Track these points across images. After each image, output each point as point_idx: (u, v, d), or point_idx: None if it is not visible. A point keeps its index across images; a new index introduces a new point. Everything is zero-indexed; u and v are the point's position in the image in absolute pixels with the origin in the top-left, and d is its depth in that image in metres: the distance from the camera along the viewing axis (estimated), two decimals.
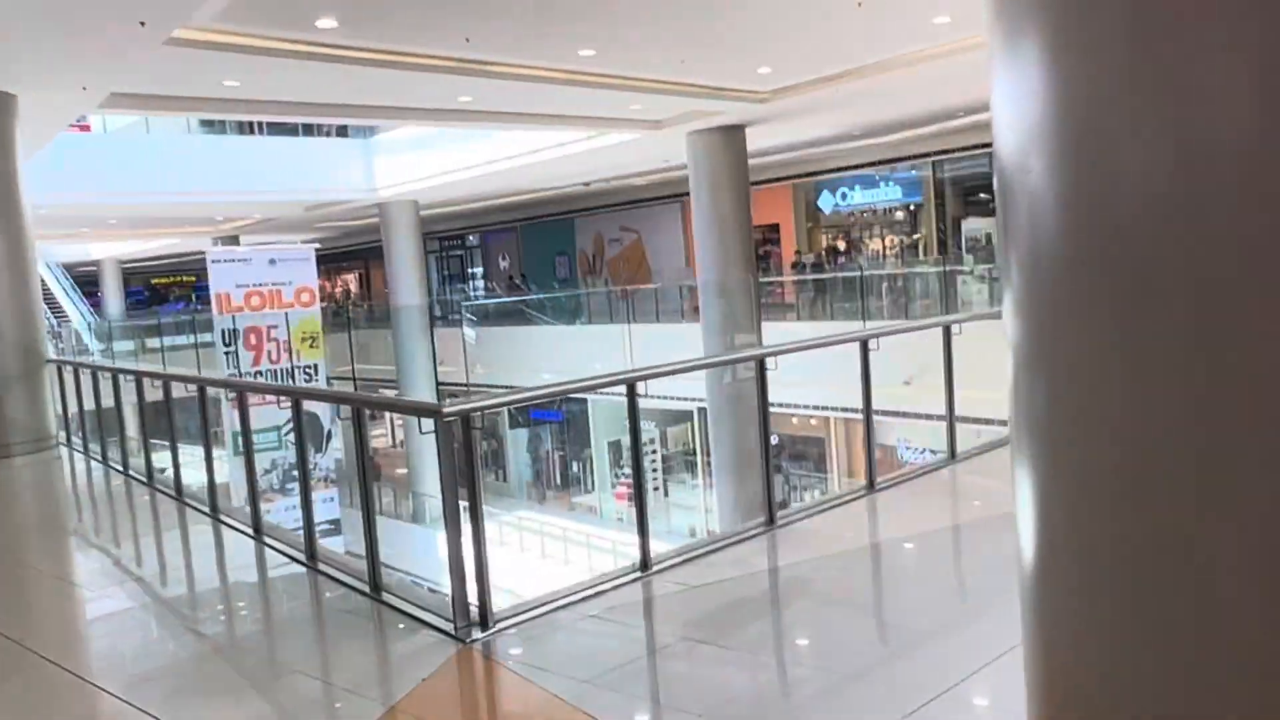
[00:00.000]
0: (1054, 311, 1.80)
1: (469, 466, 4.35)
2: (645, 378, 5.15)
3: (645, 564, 5.01)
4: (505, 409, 26.15)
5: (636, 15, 10.14)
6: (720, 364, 8.34)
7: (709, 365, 10.68)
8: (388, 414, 25.74)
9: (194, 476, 7.91)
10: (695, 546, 5.38)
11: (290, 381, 16.37)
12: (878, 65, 13.14)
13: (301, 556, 5.72)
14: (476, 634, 4.30)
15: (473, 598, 4.38)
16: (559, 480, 27.54)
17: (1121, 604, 1.74)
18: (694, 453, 23.61)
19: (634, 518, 5.05)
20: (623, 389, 5.17)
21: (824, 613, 4.59)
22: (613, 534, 20.85)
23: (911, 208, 25.45)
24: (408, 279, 24.90)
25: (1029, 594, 1.97)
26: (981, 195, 23.69)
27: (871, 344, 6.37)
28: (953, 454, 7.08)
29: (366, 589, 5.00)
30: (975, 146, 22.67)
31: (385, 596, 4.90)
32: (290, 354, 16.92)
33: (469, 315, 26.25)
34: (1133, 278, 1.56)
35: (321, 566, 5.52)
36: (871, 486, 6.41)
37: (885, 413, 16.21)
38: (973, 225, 23.57)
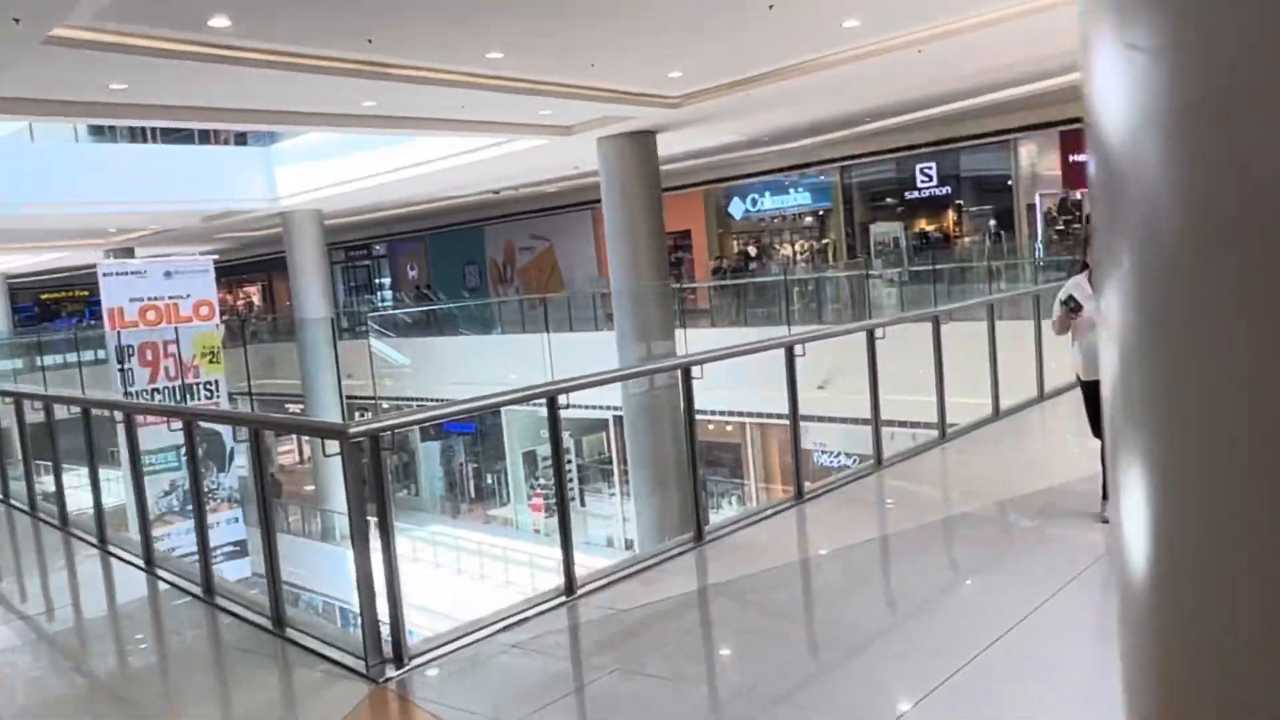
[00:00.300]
0: (1178, 296, 1.58)
1: (379, 490, 4.04)
2: (567, 390, 4.89)
3: (570, 587, 4.74)
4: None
5: (545, 18, 9.88)
6: (646, 374, 8.10)
7: (634, 375, 10.44)
8: None
9: (86, 503, 7.39)
10: (622, 566, 5.14)
11: (190, 399, 15.67)
12: (788, 69, 13.10)
13: (197, 590, 5.31)
14: (390, 672, 3.99)
15: (386, 633, 4.06)
16: (474, 493, 27.04)
17: (1260, 610, 1.48)
18: (610, 461, 23.37)
19: (552, 529, 4.78)
20: (541, 401, 4.89)
21: (757, 634, 4.38)
22: (530, 546, 20.49)
23: (821, 213, 25.68)
24: (312, 291, 24.17)
25: (1136, 601, 1.70)
26: (888, 200, 23.99)
27: (796, 349, 6.21)
28: (879, 460, 6.96)
29: (269, 625, 4.64)
30: (882, 152, 22.97)
31: (289, 633, 4.54)
32: (189, 370, 16.22)
33: (376, 326, 25.62)
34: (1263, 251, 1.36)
35: (219, 600, 5.13)
36: (800, 496, 6.24)
37: (803, 417, 16.18)
38: (881, 229, 23.86)
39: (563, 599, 4.71)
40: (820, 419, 15.82)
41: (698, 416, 5.76)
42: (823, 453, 18.82)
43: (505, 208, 29.23)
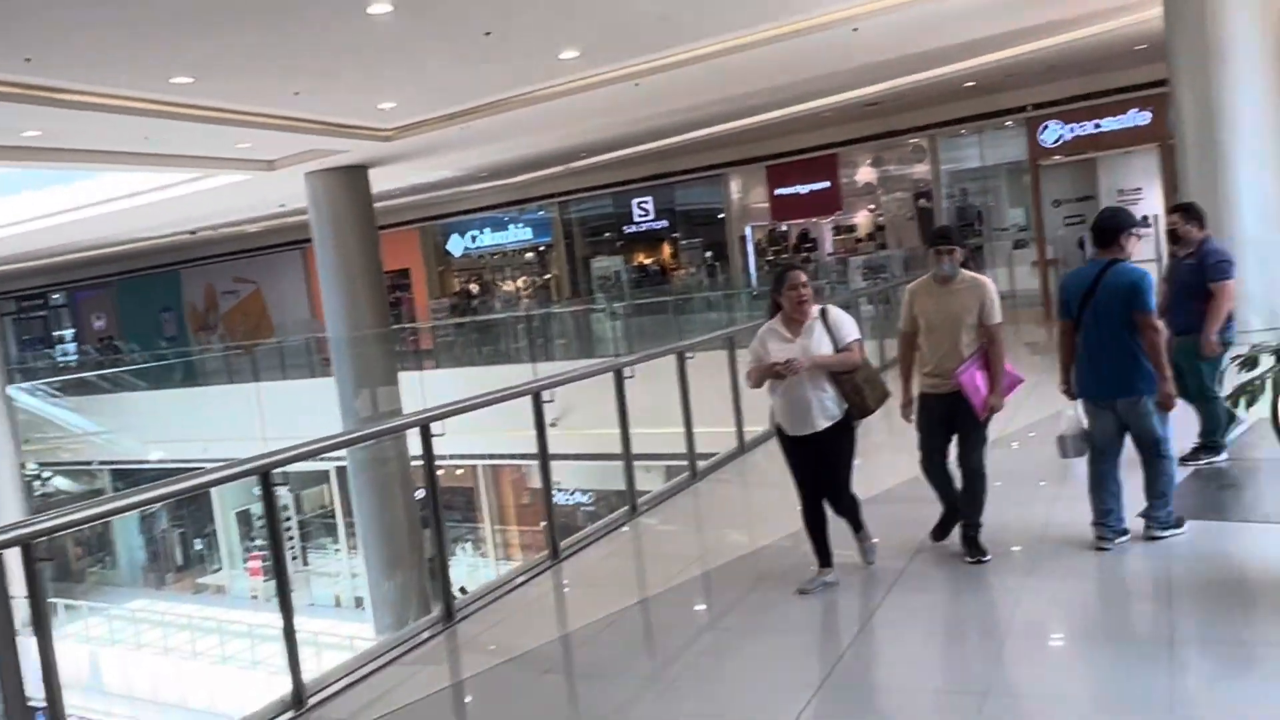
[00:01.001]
0: None
1: (37, 620, 3.16)
2: (284, 463, 4.16)
3: (299, 698, 4.00)
4: (110, 484, 23.09)
5: (239, 37, 8.90)
6: (380, 435, 7.15)
7: (363, 440, 9.32)
8: None
9: None
10: (362, 661, 4.43)
11: None
12: (505, 102, 12.73)
13: None
14: None
15: None
16: (181, 560, 24.66)
17: None
18: (333, 515, 21.98)
19: (271, 594, 4.00)
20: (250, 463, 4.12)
21: None
22: (247, 614, 18.77)
23: (542, 248, 25.62)
24: None
25: None
26: (607, 234, 24.21)
27: (544, 395, 5.72)
28: (633, 507, 6.58)
29: None
30: (600, 187, 23.15)
31: None
32: None
33: (43, 389, 22.92)
34: None
35: None
36: (555, 555, 5.74)
37: (527, 456, 15.73)
38: (601, 264, 24.03)
39: (291, 714, 3.96)
40: (557, 457, 15.46)
41: (423, 463, 5.13)
42: (559, 491, 18.47)
43: (205, 249, 27.29)
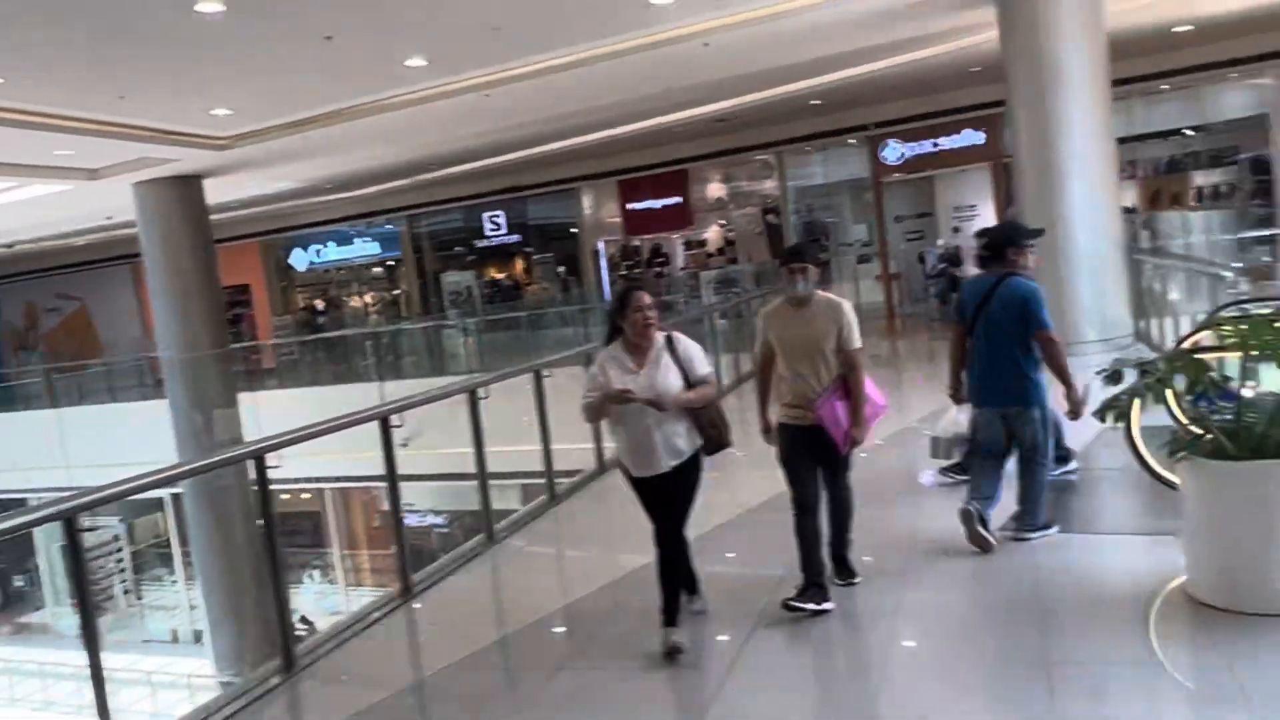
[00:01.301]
0: None
1: None
2: (90, 506, 3.75)
3: None
4: None
5: (52, 33, 8.23)
6: (210, 469, 6.57)
7: (177, 478, 8.52)
8: None
9: None
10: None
11: None
12: (349, 111, 12.27)
13: None
14: None
15: None
16: (1, 598, 22.93)
17: None
18: (169, 545, 20.79)
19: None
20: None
21: None
22: (70, 655, 17.53)
23: (391, 263, 25.03)
24: None
25: None
26: (458, 248, 23.78)
27: (393, 419, 5.40)
28: (490, 535, 6.29)
29: None
30: (450, 200, 22.72)
31: None
32: None
33: None
34: None
35: None
36: (408, 590, 5.39)
37: (376, 478, 15.18)
38: (452, 278, 23.59)
39: None
40: (409, 479, 15.00)
41: (272, 488, 4.75)
42: (410, 513, 17.92)
43: (23, 264, 25.54)
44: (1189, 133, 16.73)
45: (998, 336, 5.08)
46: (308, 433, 4.93)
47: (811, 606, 4.49)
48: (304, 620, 14.52)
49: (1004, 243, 5.21)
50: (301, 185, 19.15)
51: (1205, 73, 15.57)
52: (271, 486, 4.71)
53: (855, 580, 4.80)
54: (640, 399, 4.32)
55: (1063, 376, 4.98)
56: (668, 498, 4.48)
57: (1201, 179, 16.64)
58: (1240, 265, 9.00)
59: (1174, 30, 13.74)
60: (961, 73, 14.99)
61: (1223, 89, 16.22)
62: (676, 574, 4.48)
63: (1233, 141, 16.38)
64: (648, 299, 4.49)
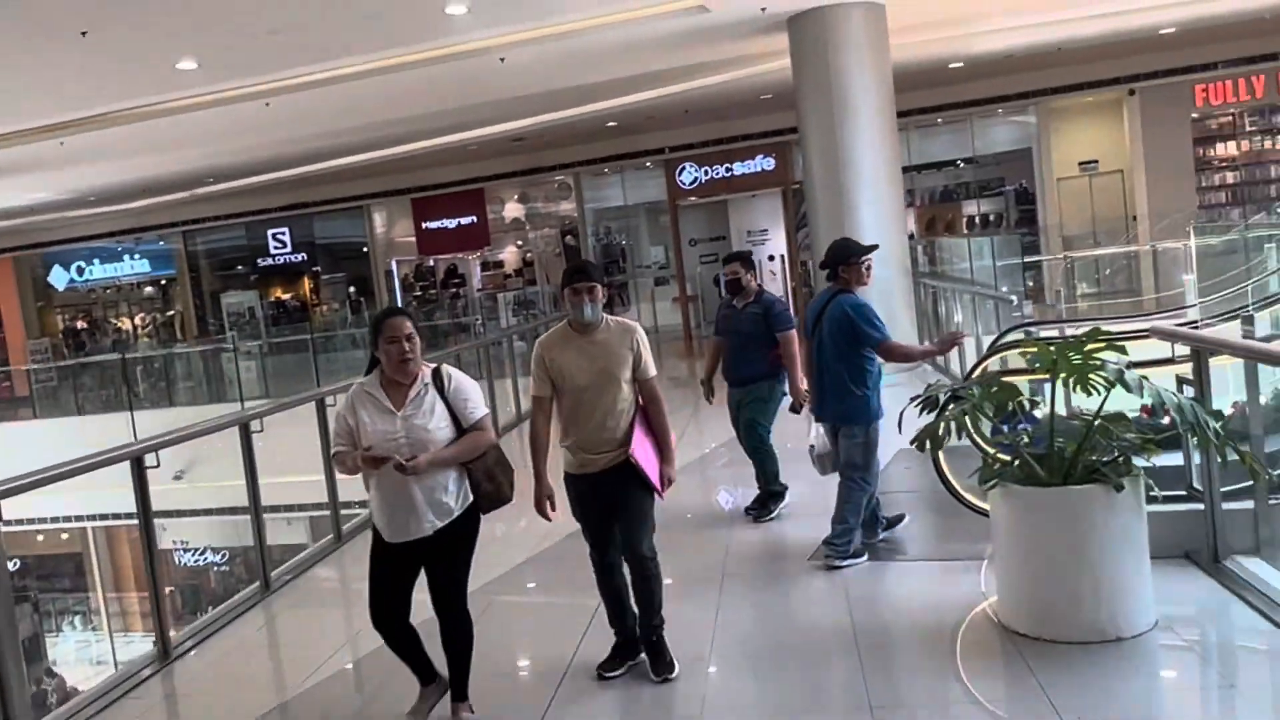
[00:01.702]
0: None
1: None
2: None
3: None
4: None
5: None
6: None
7: None
8: None
9: None
10: None
11: None
12: (112, 115, 11.29)
13: None
14: None
15: None
16: None
17: None
18: None
19: None
20: None
21: None
22: None
23: (164, 282, 23.44)
24: None
25: None
26: (240, 267, 22.51)
27: (149, 459, 4.78)
28: (266, 583, 5.69)
29: None
30: (230, 216, 21.49)
31: None
32: None
33: None
34: None
35: None
36: (166, 655, 4.74)
37: (159, 514, 14.02)
38: (233, 299, 22.29)
39: None
40: (181, 514, 13.91)
41: (23, 527, 4.11)
42: (185, 551, 16.65)
43: None
44: (961, 164, 17.73)
45: (824, 355, 5.16)
46: (39, 478, 4.27)
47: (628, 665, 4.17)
48: (48, 672, 13.39)
49: (835, 260, 5.19)
50: (61, 196, 17.66)
51: (976, 108, 16.71)
52: (6, 530, 4.08)
53: (674, 675, 4.07)
54: (386, 459, 3.55)
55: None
56: (429, 562, 3.78)
57: (972, 208, 17.69)
58: (1021, 290, 9.44)
59: (950, 66, 14.50)
60: (754, 100, 15.32)
61: (991, 123, 17.36)
62: (454, 645, 3.84)
63: (1000, 173, 17.51)
64: (408, 326, 3.71)
